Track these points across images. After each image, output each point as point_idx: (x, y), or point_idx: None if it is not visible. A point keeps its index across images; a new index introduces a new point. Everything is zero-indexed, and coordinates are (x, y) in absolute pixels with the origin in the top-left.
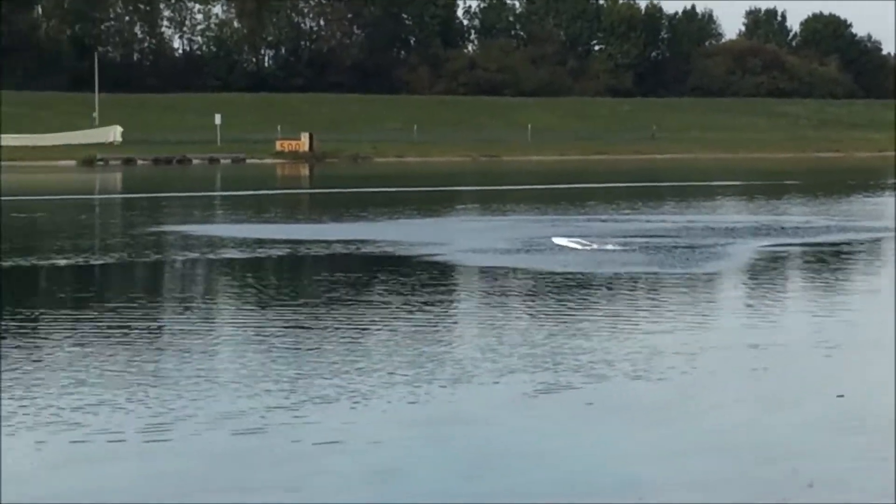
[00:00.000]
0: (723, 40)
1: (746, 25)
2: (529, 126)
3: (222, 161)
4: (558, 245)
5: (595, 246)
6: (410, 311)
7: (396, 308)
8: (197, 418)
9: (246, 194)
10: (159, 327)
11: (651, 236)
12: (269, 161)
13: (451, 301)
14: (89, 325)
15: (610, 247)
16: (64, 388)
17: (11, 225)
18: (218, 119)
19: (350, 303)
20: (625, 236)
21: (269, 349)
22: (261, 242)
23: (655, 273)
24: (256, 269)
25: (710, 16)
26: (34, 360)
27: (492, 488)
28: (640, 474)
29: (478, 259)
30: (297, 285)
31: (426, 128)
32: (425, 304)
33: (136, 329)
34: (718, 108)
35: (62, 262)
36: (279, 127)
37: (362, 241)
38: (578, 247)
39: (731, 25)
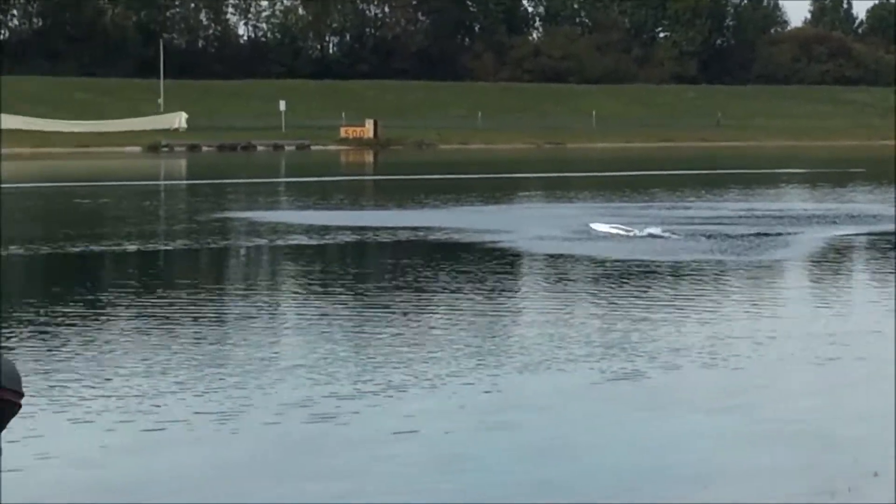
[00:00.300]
0: (788, 28)
1: (812, 13)
2: (594, 113)
3: (287, 148)
4: (597, 231)
5: (636, 232)
6: (479, 299)
7: (465, 295)
8: (268, 405)
9: (311, 181)
10: (228, 314)
11: (716, 223)
12: (333, 148)
13: (519, 288)
14: (158, 312)
15: (653, 231)
16: (135, 373)
17: (77, 211)
18: (282, 106)
19: (418, 290)
20: (690, 223)
21: (339, 336)
22: (327, 229)
23: (721, 261)
24: (324, 256)
25: (776, 3)
26: (105, 347)
27: (559, 475)
28: (705, 461)
29: (543, 246)
30: (365, 272)
31: (490, 115)
32: (493, 291)
33: (206, 315)
34: (784, 95)
35: (130, 248)
36: (343, 114)
37: (428, 228)
38: (621, 232)
39: (796, 13)
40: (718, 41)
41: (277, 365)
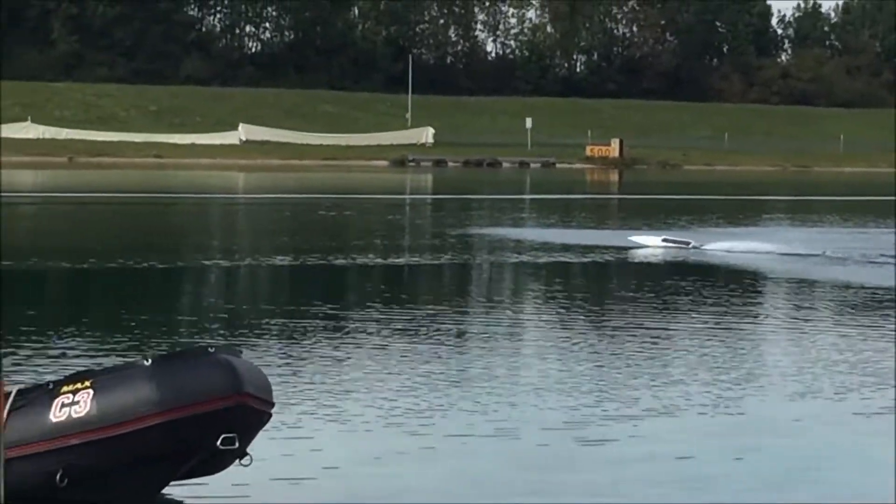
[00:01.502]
0: None
1: None
2: (842, 137)
3: (532, 165)
4: (636, 242)
5: (693, 244)
6: (731, 321)
7: (720, 318)
8: (523, 423)
9: (556, 198)
10: (485, 331)
11: None
12: (578, 166)
13: (772, 312)
14: (411, 327)
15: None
16: (401, 390)
17: (322, 223)
18: (529, 123)
19: (671, 310)
20: None
21: (590, 357)
22: (573, 248)
23: None
24: (576, 274)
25: None
26: (373, 360)
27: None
28: None
29: (790, 270)
30: (619, 291)
31: (737, 136)
32: (746, 314)
33: (463, 331)
34: None
35: (388, 261)
36: (590, 132)
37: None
38: (672, 246)
39: None
40: None
41: (536, 384)
